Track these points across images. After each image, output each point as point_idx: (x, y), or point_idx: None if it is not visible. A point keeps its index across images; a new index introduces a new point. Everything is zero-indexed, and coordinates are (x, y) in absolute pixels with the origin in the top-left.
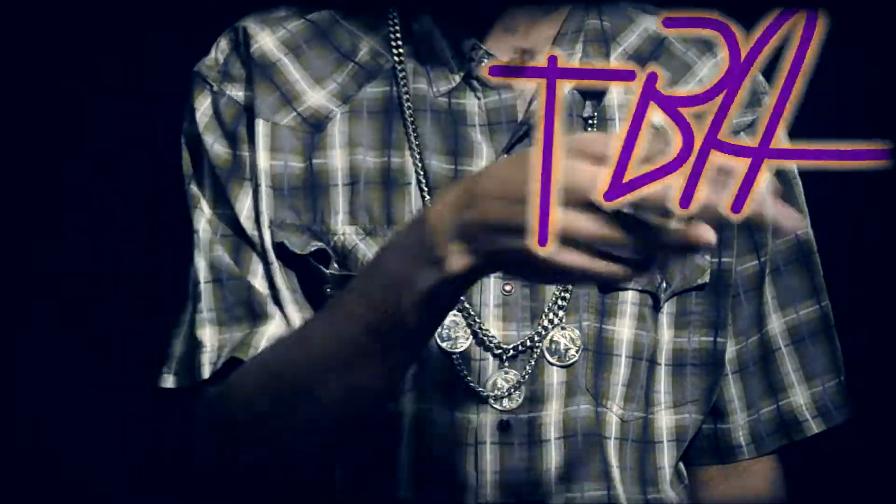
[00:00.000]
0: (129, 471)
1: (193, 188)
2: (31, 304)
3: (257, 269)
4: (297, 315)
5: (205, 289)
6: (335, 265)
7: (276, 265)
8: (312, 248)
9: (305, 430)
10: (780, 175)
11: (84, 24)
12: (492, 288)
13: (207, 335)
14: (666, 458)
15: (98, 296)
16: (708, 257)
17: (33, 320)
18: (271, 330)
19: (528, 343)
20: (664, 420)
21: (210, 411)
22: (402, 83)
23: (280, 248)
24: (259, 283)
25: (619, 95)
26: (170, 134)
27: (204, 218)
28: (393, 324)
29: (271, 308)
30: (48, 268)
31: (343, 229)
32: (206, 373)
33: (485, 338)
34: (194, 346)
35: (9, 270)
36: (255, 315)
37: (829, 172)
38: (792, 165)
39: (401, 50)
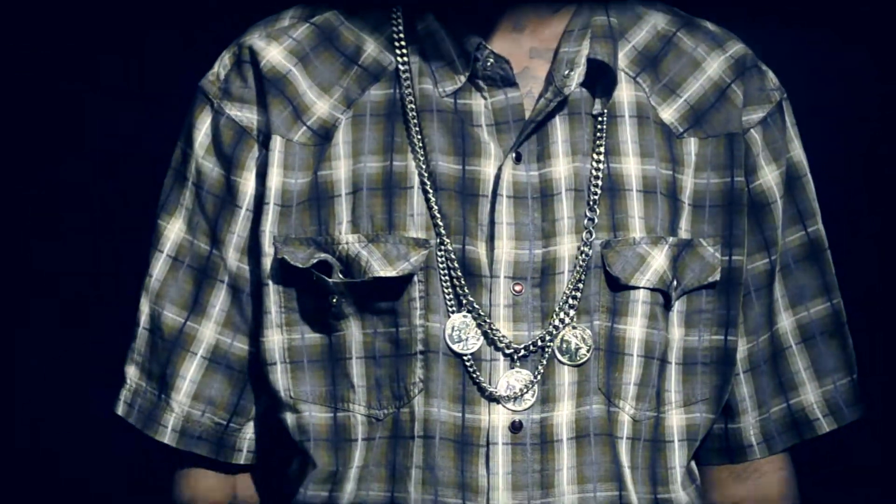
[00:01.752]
0: (129, 471)
1: (162, 223)
2: (31, 304)
3: (211, 311)
4: (277, 337)
5: (140, 334)
6: (339, 274)
7: (271, 286)
8: (315, 261)
9: None
10: (791, 173)
11: (84, 24)
12: (502, 288)
13: (131, 373)
14: (677, 457)
15: (98, 296)
16: (719, 255)
17: (33, 320)
18: (180, 398)
19: (539, 343)
20: (675, 419)
21: None
22: (405, 84)
23: (281, 266)
24: (207, 330)
25: (628, 93)
26: (170, 134)
27: (160, 262)
28: None
29: (181, 379)
30: (48, 268)
31: (346, 238)
32: (120, 409)
33: (495, 338)
34: (122, 377)
35: (9, 270)
36: (166, 383)
37: (841, 171)
38: (803, 162)
39: (405, 50)
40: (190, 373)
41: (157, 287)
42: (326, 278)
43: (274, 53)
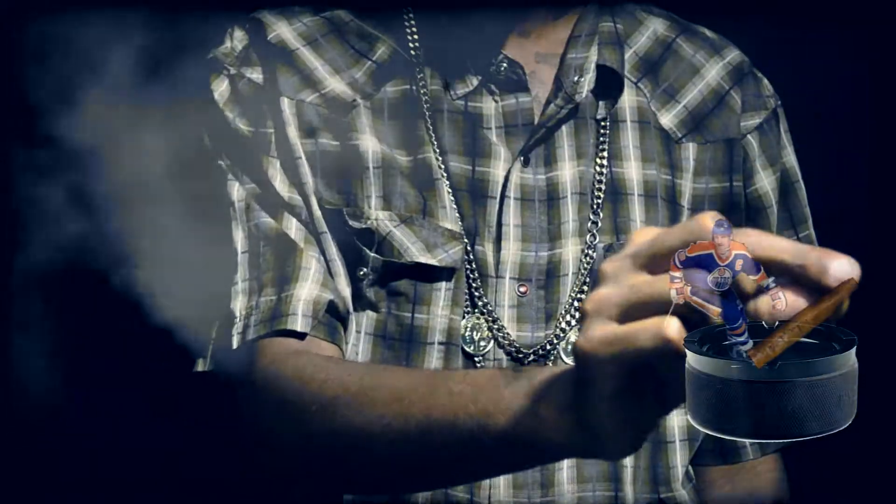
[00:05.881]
0: (129, 471)
1: (222, 163)
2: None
3: (291, 225)
4: (347, 288)
5: (241, 259)
6: (368, 250)
7: (328, 233)
8: (355, 227)
9: (373, 463)
10: (784, 178)
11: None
12: (507, 289)
13: (239, 306)
14: (678, 457)
15: (98, 297)
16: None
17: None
18: (305, 293)
19: (548, 347)
20: (676, 419)
21: (278, 393)
22: (420, 84)
23: (317, 222)
24: (299, 236)
25: (630, 98)
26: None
27: (238, 186)
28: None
29: (305, 270)
30: (47, 268)
31: (377, 214)
32: (235, 343)
33: (502, 339)
34: (230, 319)
35: (8, 270)
36: (286, 279)
37: (833, 175)
38: (795, 168)
39: (418, 52)
40: (312, 265)
41: (242, 206)
42: (368, 251)
43: (283, 30)
